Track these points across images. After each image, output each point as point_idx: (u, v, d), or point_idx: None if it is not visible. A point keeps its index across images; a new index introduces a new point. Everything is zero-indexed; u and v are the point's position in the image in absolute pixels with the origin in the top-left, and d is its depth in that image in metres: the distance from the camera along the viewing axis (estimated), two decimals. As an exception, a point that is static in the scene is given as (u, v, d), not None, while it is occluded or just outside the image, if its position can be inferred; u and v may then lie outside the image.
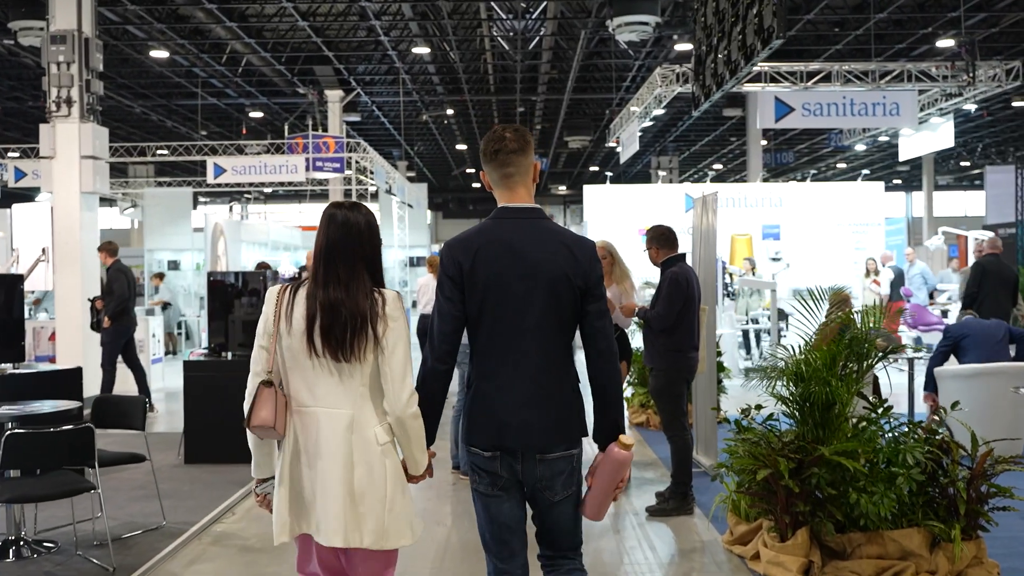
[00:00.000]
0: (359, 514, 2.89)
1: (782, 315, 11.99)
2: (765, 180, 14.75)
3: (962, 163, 37.61)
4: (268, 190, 42.88)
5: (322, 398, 2.92)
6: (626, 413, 9.67)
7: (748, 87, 13.59)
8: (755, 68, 12.29)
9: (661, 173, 33.42)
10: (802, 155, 32.07)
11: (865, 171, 35.49)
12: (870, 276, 15.47)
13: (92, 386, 11.20)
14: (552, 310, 2.91)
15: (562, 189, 46.03)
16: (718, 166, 37.60)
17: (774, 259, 16.02)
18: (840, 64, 13.85)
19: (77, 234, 11.31)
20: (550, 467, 2.92)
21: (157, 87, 23.12)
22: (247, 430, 2.99)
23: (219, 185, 23.12)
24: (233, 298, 8.06)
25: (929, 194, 34.01)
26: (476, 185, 45.83)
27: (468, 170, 39.71)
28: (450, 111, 26.41)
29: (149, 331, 11.92)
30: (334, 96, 23.31)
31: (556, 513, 2.97)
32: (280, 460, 3.01)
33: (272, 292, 3.02)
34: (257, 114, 25.78)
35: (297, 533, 2.99)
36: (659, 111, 16.37)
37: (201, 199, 35.83)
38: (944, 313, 13.65)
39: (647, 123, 17.86)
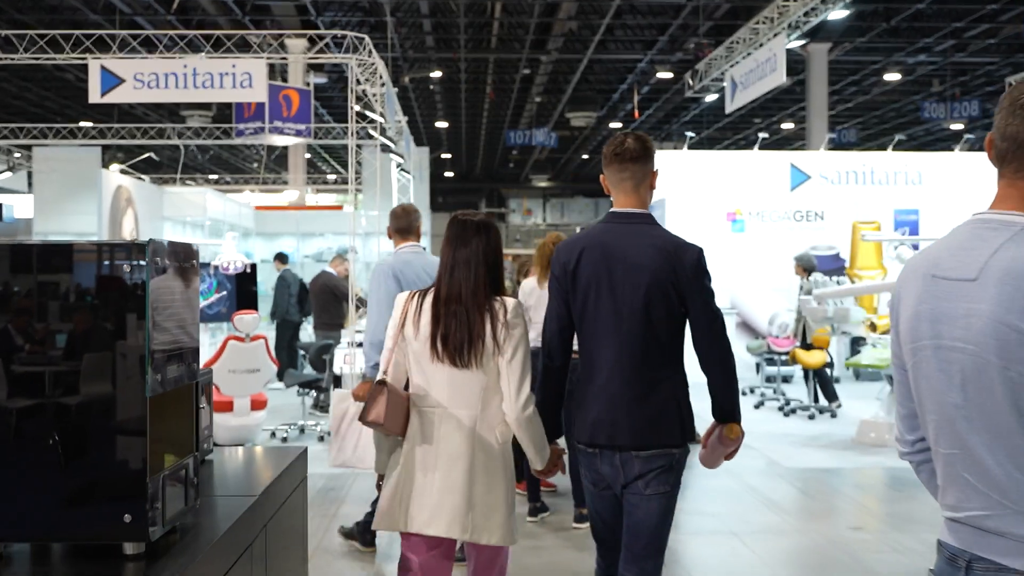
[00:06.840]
0: (484, 512, 3.00)
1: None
2: (899, 148, 10.45)
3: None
4: (213, 176, 37.79)
5: (445, 399, 3.06)
6: None
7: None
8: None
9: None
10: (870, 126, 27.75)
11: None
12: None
13: None
14: (646, 313, 3.02)
15: (544, 181, 41.46)
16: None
17: None
18: None
19: None
20: (646, 464, 3.02)
21: (62, 26, 18.11)
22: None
23: (118, 114, 17.22)
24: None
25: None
26: (448, 174, 41.09)
27: (444, 155, 34.90)
28: (437, 73, 21.74)
29: None
30: (296, 47, 18.51)
31: (643, 510, 3.05)
32: (397, 456, 3.13)
33: (401, 297, 3.19)
34: (197, 71, 20.80)
35: (400, 528, 3.07)
36: (841, 11, 11.40)
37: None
38: None
39: (797, 41, 12.90)
